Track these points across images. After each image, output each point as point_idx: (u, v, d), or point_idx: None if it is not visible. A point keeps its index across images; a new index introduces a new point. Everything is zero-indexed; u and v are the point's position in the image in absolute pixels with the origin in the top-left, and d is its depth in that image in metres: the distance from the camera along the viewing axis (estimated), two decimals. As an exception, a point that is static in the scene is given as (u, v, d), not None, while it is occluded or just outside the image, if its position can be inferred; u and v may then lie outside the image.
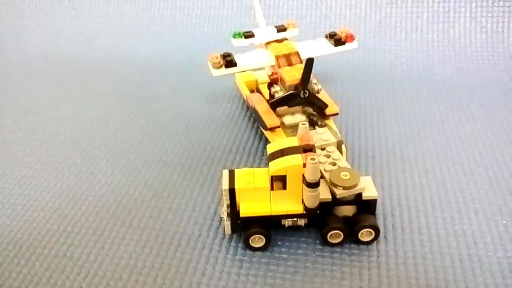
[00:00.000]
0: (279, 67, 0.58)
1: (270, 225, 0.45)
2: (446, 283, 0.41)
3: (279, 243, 0.46)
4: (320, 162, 0.46)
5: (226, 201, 0.44)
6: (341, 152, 0.51)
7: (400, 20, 0.86)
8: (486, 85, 0.74)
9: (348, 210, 0.45)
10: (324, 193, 0.44)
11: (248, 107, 0.69)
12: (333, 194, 0.44)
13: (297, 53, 0.59)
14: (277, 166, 0.42)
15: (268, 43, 0.62)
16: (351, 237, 0.45)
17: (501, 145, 0.59)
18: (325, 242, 0.45)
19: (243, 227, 0.45)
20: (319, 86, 0.58)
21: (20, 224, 0.50)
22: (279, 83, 0.59)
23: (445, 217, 0.48)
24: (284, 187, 0.43)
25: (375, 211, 0.46)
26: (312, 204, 0.43)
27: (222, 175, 0.45)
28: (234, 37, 0.63)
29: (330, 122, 0.58)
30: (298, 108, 0.59)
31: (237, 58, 0.59)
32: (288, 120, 0.58)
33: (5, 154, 0.62)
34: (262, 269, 0.43)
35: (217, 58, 0.59)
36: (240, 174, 0.45)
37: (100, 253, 0.46)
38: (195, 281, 0.43)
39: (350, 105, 0.69)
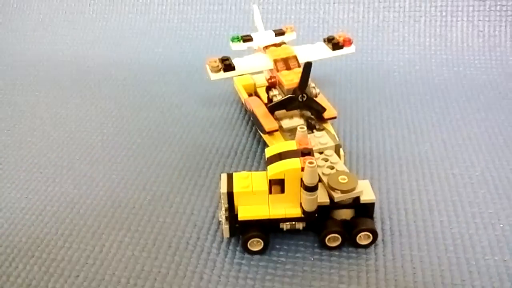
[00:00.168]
0: (277, 71, 0.58)
1: (268, 229, 0.45)
2: (443, 287, 0.42)
3: (277, 246, 0.46)
4: (318, 166, 0.46)
5: (224, 204, 0.44)
6: (339, 155, 0.51)
7: (397, 24, 0.87)
8: (483, 89, 0.74)
9: (346, 214, 0.45)
10: (322, 197, 0.44)
11: (246, 111, 0.69)
12: (331, 198, 0.44)
13: (295, 57, 0.60)
14: (275, 169, 0.42)
15: (266, 47, 0.63)
16: (349, 241, 0.45)
17: (498, 149, 0.59)
18: (323, 246, 0.45)
19: (241, 230, 0.45)
20: (317, 90, 0.58)
21: (19, 228, 0.50)
22: (277, 86, 0.60)
23: (443, 220, 0.48)
24: (282, 191, 0.43)
25: (373, 214, 0.46)
26: (310, 207, 0.43)
27: (220, 179, 0.45)
28: (232, 41, 0.63)
29: (328, 125, 0.58)
30: (296, 111, 0.59)
31: (235, 62, 0.60)
32: (286, 123, 0.58)
33: (3, 158, 0.62)
34: (260, 273, 0.44)
35: (215, 62, 0.59)
36: (238, 177, 0.45)
37: (98, 256, 0.46)
38: (194, 285, 0.43)
39: (348, 109, 0.69)
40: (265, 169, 0.44)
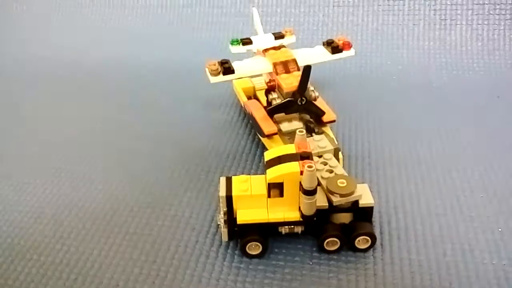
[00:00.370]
0: (277, 74, 0.59)
1: (267, 232, 0.45)
2: (442, 291, 0.42)
3: (276, 250, 0.46)
4: (317, 170, 0.46)
5: (223, 208, 0.44)
6: (337, 159, 0.51)
7: (396, 28, 0.87)
8: (482, 93, 0.74)
9: (344, 218, 0.45)
10: (321, 201, 0.44)
11: (245, 114, 0.69)
12: (330, 202, 0.44)
13: (295, 60, 0.60)
14: (274, 173, 0.42)
15: (265, 50, 0.63)
16: (348, 245, 0.45)
17: (496, 153, 0.59)
18: (322, 250, 0.45)
19: (240, 234, 0.45)
20: (316, 93, 0.58)
21: (17, 231, 0.50)
22: (276, 90, 0.60)
23: (441, 224, 0.48)
24: (281, 195, 0.43)
25: (372, 218, 0.46)
26: (309, 211, 0.43)
27: (219, 182, 0.45)
28: (232, 44, 0.63)
29: (327, 129, 0.58)
30: (295, 115, 0.59)
31: (235, 65, 0.60)
32: (285, 127, 0.58)
33: (2, 160, 0.62)
34: (259, 277, 0.44)
35: (215, 65, 0.59)
36: (237, 181, 0.45)
37: (97, 260, 0.46)
38: (192, 288, 0.43)
39: (347, 112, 0.69)
40: (264, 172, 0.44)
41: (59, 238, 0.49)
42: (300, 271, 0.44)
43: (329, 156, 0.50)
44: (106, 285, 0.43)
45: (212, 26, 0.94)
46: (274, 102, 0.58)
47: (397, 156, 0.59)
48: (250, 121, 0.66)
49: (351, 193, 0.43)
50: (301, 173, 0.41)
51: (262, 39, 0.64)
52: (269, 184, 0.43)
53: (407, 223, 0.49)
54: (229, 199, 0.44)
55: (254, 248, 0.45)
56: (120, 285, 0.43)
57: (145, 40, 0.96)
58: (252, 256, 0.45)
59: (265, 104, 0.62)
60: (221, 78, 0.59)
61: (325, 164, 0.48)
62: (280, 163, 0.43)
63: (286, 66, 0.59)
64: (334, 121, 0.59)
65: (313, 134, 0.56)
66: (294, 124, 0.58)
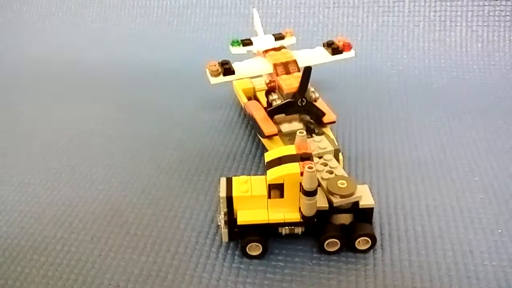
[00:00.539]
0: (277, 75, 0.59)
1: (267, 233, 0.45)
2: (442, 292, 0.42)
3: (276, 251, 0.46)
4: (317, 171, 0.46)
5: (223, 208, 0.44)
6: (338, 160, 0.51)
7: (396, 29, 0.87)
8: (482, 94, 0.74)
9: (345, 219, 0.46)
10: (321, 201, 0.44)
11: (245, 115, 0.69)
12: (330, 203, 0.44)
13: (295, 62, 0.60)
14: (275, 174, 0.42)
15: (266, 51, 0.63)
16: (348, 246, 0.45)
17: (496, 154, 0.59)
18: (322, 250, 0.45)
19: (240, 235, 0.45)
20: (317, 94, 0.58)
21: (17, 231, 0.50)
22: (276, 91, 0.60)
23: (441, 225, 0.49)
24: (282, 195, 0.43)
25: (372, 219, 0.46)
26: (309, 212, 0.43)
27: (219, 183, 0.45)
28: (232, 45, 0.63)
29: (327, 130, 0.58)
30: (296, 116, 0.59)
31: (235, 66, 0.60)
32: (286, 128, 0.58)
33: (2, 161, 0.62)
34: (259, 277, 0.44)
35: (215, 66, 0.59)
36: (238, 182, 0.45)
37: (97, 260, 0.46)
38: (192, 289, 0.43)
39: (347, 113, 0.69)
40: (264, 173, 0.44)
41: (60, 239, 0.49)
42: (300, 272, 0.44)
43: (329, 157, 0.50)
44: (106, 285, 0.43)
45: (212, 27, 0.95)
46: (274, 103, 0.58)
47: (398, 157, 0.59)
48: (250, 122, 0.66)
49: (352, 194, 0.43)
50: (302, 174, 0.41)
51: (263, 40, 0.64)
52: (269, 185, 0.43)
53: (407, 224, 0.49)
54: (229, 199, 0.44)
55: (254, 248, 0.45)
56: (120, 285, 0.43)
57: (145, 41, 0.96)
58: (252, 257, 0.45)
59: (265, 105, 0.62)
60: (222, 79, 0.59)
61: (326, 165, 0.48)
62: (280, 164, 0.43)
63: (286, 67, 0.59)
64: (334, 122, 0.59)
65: (314, 135, 0.56)
66: (295, 125, 0.58)
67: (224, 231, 0.45)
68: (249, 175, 0.51)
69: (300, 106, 0.57)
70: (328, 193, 0.44)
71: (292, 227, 0.45)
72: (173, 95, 0.78)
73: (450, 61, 0.82)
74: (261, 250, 0.45)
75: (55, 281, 0.44)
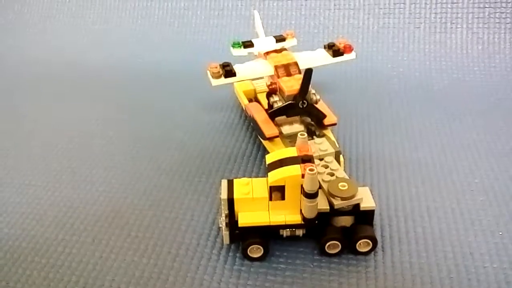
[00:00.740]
0: (278, 77, 0.59)
1: (268, 235, 0.45)
2: (443, 294, 0.42)
3: (277, 253, 0.46)
4: (318, 173, 0.47)
5: (224, 210, 0.44)
6: (339, 162, 0.51)
7: (397, 31, 0.87)
8: (483, 96, 0.74)
9: (346, 221, 0.46)
10: (322, 204, 0.44)
11: (246, 117, 0.69)
12: (331, 205, 0.44)
13: (296, 64, 0.60)
14: (276, 176, 0.42)
15: (267, 53, 0.63)
16: (349, 248, 0.45)
17: (497, 156, 0.59)
18: (323, 253, 0.45)
19: (241, 237, 0.45)
20: (318, 96, 0.58)
21: (18, 233, 0.50)
22: (277, 93, 0.60)
23: (442, 227, 0.49)
24: (283, 198, 0.43)
25: (373, 221, 0.46)
26: (310, 214, 0.43)
27: (220, 185, 0.45)
28: (233, 46, 0.63)
29: (328, 132, 0.59)
30: (297, 118, 0.59)
31: (236, 67, 0.60)
32: (287, 130, 0.58)
33: (3, 163, 0.62)
34: (260, 279, 0.44)
35: (216, 67, 0.59)
36: (239, 184, 0.45)
37: (98, 262, 0.46)
38: (193, 291, 0.43)
39: (348, 115, 0.69)
40: (265, 175, 0.45)
41: (61, 241, 0.49)
42: (301, 274, 0.44)
43: (330, 159, 0.50)
44: (107, 287, 0.43)
45: (213, 28, 0.95)
46: (275, 105, 0.58)
47: (398, 159, 0.60)
48: (251, 124, 0.66)
49: (352, 196, 0.44)
50: (303, 176, 0.41)
51: (264, 42, 0.64)
52: (270, 187, 0.43)
53: (408, 226, 0.49)
54: (230, 202, 0.44)
55: (255, 251, 0.45)
56: (121, 287, 0.43)
57: (146, 42, 0.96)
58: (253, 259, 0.45)
59: (266, 107, 0.62)
60: (223, 80, 0.59)
61: (326, 167, 0.49)
62: (281, 166, 0.43)
63: (287, 69, 0.59)
64: (335, 124, 0.59)
65: (314, 137, 0.56)
66: (295, 127, 0.58)
67: (225, 233, 0.45)
68: (250, 177, 0.51)
69: (301, 108, 0.57)
70: (329, 195, 0.44)
71: (293, 229, 0.45)
72: (174, 96, 0.78)
73: (451, 63, 0.82)
74: (262, 252, 0.45)
75: (56, 283, 0.44)
